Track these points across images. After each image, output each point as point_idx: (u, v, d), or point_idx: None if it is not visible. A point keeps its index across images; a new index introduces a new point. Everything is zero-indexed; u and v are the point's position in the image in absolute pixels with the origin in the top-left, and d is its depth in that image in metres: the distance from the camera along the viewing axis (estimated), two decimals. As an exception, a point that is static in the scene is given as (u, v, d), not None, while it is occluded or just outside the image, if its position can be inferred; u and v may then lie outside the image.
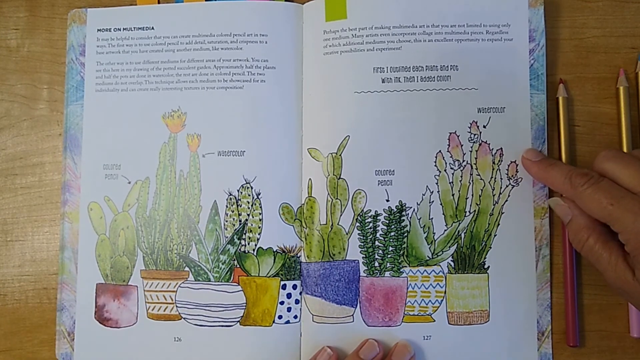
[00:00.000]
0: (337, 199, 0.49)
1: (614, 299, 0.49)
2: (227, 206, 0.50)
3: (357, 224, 0.49)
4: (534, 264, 0.48)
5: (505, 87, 0.49)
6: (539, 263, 0.48)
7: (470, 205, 0.49)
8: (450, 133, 0.49)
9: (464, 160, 0.49)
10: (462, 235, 0.49)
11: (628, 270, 0.41)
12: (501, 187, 0.49)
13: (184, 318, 0.50)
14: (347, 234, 0.49)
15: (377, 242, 0.49)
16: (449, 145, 0.49)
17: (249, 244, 0.50)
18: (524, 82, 0.49)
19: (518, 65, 0.50)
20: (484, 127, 0.49)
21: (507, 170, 0.49)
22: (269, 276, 0.50)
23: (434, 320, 0.49)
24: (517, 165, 0.49)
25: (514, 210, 0.49)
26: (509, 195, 0.49)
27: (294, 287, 0.50)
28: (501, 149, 0.49)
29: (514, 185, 0.49)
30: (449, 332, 0.49)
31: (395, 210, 0.49)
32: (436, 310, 0.49)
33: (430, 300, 0.49)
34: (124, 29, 0.53)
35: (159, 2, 0.54)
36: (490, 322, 0.48)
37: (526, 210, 0.49)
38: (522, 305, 0.48)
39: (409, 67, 0.50)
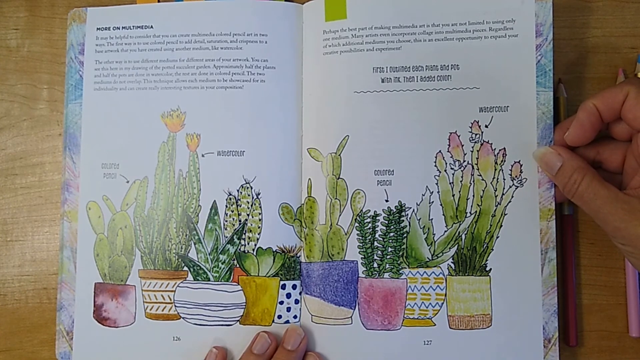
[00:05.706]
0: (336, 199, 0.49)
1: (613, 299, 0.49)
2: (226, 206, 0.50)
3: (356, 224, 0.49)
4: (539, 267, 0.47)
5: (509, 85, 0.48)
6: (545, 267, 0.47)
7: (471, 206, 0.48)
8: (451, 133, 0.49)
9: (464, 161, 0.49)
10: (463, 236, 0.48)
11: (628, 199, 0.41)
12: (504, 188, 0.48)
13: (183, 318, 0.50)
14: (346, 234, 0.49)
15: (376, 243, 0.49)
16: (449, 145, 0.49)
17: (248, 243, 0.50)
18: (530, 80, 0.48)
19: (524, 62, 0.48)
20: (486, 126, 0.49)
21: (511, 170, 0.48)
22: (269, 276, 0.50)
23: (435, 325, 0.48)
24: (521, 165, 0.48)
25: (518, 211, 0.48)
26: (512, 196, 0.48)
27: (294, 287, 0.50)
28: (504, 149, 0.48)
29: (517, 186, 0.48)
30: (450, 337, 0.48)
31: (394, 210, 0.49)
32: (437, 313, 0.48)
33: (430, 303, 0.48)
34: (123, 27, 0.52)
35: (158, 1, 0.54)
36: (492, 326, 0.48)
37: (531, 212, 0.48)
38: (527, 310, 0.47)
39: (409, 67, 0.49)
